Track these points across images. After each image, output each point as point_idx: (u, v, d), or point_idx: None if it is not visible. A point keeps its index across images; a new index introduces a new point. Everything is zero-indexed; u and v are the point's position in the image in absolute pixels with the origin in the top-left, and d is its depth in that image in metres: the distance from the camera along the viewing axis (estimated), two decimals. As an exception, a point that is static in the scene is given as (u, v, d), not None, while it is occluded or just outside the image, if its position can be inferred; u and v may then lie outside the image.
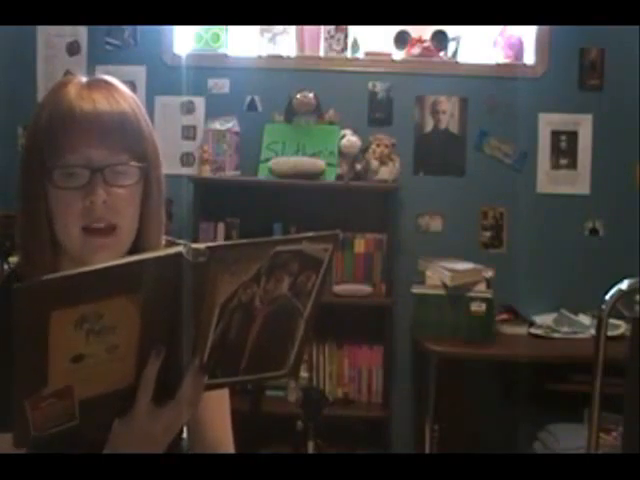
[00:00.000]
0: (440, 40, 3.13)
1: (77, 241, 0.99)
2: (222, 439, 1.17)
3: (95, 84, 1.01)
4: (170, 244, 1.10)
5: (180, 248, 0.84)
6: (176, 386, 0.90)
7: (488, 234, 3.16)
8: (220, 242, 0.87)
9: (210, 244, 0.85)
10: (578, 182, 3.15)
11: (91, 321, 0.81)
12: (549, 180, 3.15)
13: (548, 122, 3.15)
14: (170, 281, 0.85)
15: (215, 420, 1.15)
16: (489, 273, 2.80)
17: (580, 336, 2.83)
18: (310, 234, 0.92)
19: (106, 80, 1.03)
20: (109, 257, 0.99)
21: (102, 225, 0.98)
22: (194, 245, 0.85)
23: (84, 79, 1.03)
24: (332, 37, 3.11)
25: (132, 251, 1.03)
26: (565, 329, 2.89)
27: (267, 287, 0.90)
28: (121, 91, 1.03)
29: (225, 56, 3.14)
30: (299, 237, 0.92)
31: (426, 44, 3.12)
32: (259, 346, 0.94)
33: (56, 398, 0.82)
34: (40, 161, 0.98)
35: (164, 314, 0.86)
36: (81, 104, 0.97)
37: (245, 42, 3.17)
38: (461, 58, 3.15)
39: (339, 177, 2.98)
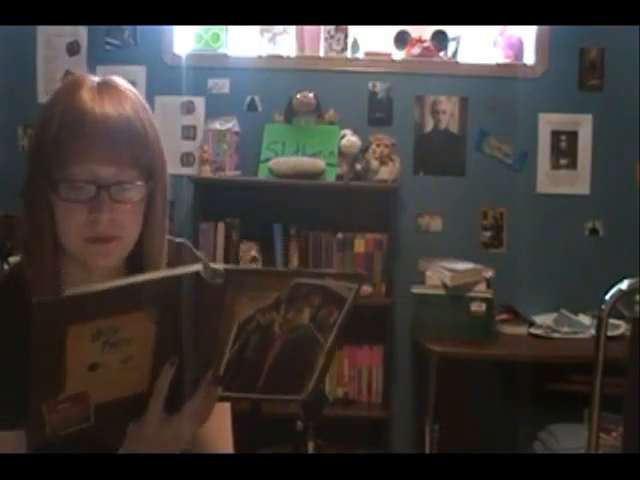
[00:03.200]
0: (440, 40, 3.12)
1: (80, 249, 0.99)
2: (222, 451, 1.17)
3: (106, 92, 0.98)
4: (170, 244, 1.10)
5: (198, 267, 0.85)
6: (189, 396, 0.91)
7: (488, 234, 3.16)
8: (238, 266, 0.88)
9: (228, 267, 0.86)
10: (578, 182, 3.15)
11: (107, 334, 0.83)
12: (549, 180, 3.15)
13: (548, 122, 3.15)
14: (187, 298, 0.86)
15: (216, 431, 1.14)
16: (489, 273, 2.80)
17: (580, 336, 2.82)
18: (334, 271, 0.93)
19: (117, 86, 1.00)
20: (110, 263, 1.01)
21: (104, 237, 0.98)
22: (212, 265, 0.85)
23: (95, 83, 1.00)
24: (332, 37, 3.11)
25: (133, 255, 1.03)
26: (565, 329, 2.88)
27: (287, 316, 0.90)
28: (131, 99, 1.00)
29: (225, 56, 3.14)
30: (322, 272, 0.94)
31: (426, 44, 3.12)
32: (277, 369, 0.94)
33: (72, 402, 0.84)
34: (47, 172, 0.96)
35: (180, 328, 0.87)
36: (93, 117, 0.95)
37: (245, 42, 3.17)
38: (461, 58, 3.15)
39: (339, 177, 2.98)
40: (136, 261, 1.05)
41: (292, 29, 3.13)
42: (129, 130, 0.97)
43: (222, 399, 0.96)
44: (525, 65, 3.15)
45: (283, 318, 0.90)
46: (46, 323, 0.79)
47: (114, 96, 0.98)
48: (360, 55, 3.14)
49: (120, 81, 1.02)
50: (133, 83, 1.05)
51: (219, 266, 0.85)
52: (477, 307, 2.74)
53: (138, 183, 0.99)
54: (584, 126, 3.14)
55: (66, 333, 0.79)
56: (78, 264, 1.01)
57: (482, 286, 2.77)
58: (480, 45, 3.20)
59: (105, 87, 0.99)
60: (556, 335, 2.86)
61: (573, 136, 3.15)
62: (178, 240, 1.15)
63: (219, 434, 1.15)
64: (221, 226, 3.01)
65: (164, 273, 0.87)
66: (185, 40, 3.16)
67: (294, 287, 0.89)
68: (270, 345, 0.92)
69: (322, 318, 0.93)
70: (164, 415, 0.91)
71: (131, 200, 0.99)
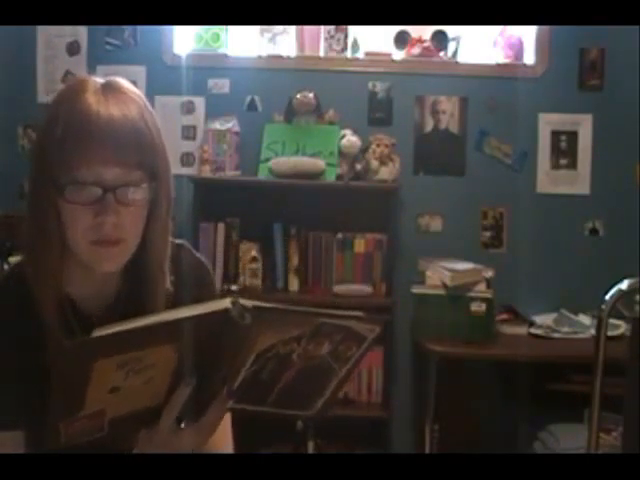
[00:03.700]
0: (440, 40, 3.12)
1: (84, 252, 0.99)
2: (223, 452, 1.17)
3: (111, 94, 0.98)
4: (170, 245, 1.09)
5: (228, 304, 0.86)
6: (201, 411, 0.94)
7: (488, 234, 3.16)
8: (266, 304, 0.88)
9: (258, 304, 0.87)
10: (578, 182, 3.15)
11: (132, 363, 0.84)
12: (549, 180, 3.15)
13: (548, 122, 3.14)
14: (212, 333, 0.88)
15: (216, 435, 1.14)
16: (489, 273, 2.80)
17: (580, 336, 2.82)
18: (359, 314, 0.94)
19: (121, 88, 1.00)
20: (114, 267, 1.02)
21: (110, 239, 0.98)
22: (242, 300, 0.86)
23: (99, 84, 0.99)
24: (332, 37, 3.10)
25: (136, 257, 1.03)
26: (565, 329, 2.88)
27: (307, 347, 0.93)
28: (136, 101, 1.00)
29: (225, 56, 3.14)
30: (348, 315, 0.94)
31: (426, 44, 3.12)
32: (289, 389, 0.96)
33: (88, 419, 0.86)
34: (52, 175, 0.96)
35: (201, 355, 0.89)
36: (99, 119, 0.95)
37: (245, 42, 3.17)
38: (461, 58, 3.15)
39: (339, 177, 2.98)
40: (138, 263, 1.04)
41: (292, 29, 3.13)
42: (134, 132, 0.97)
43: (233, 410, 0.98)
44: (525, 65, 3.15)
45: (303, 349, 0.92)
46: (72, 364, 0.81)
47: (119, 98, 0.98)
48: (360, 55, 3.14)
49: (124, 82, 1.02)
50: (133, 83, 1.05)
51: (248, 302, 0.86)
52: (477, 307, 2.74)
53: (143, 185, 0.99)
54: (584, 126, 3.14)
55: (92, 368, 0.81)
56: (81, 266, 1.01)
57: (482, 286, 2.77)
58: (480, 45, 3.19)
59: (109, 89, 0.99)
60: (556, 335, 2.86)
61: (573, 136, 3.15)
62: (177, 241, 1.15)
63: (219, 438, 1.15)
64: (221, 226, 3.01)
65: (194, 311, 0.87)
66: (185, 40, 3.16)
67: (318, 325, 0.91)
68: (285, 370, 0.94)
69: (340, 351, 0.95)
70: (175, 426, 0.93)
71: (136, 202, 0.98)
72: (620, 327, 2.59)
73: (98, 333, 0.80)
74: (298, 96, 3.03)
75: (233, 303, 0.86)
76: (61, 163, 0.95)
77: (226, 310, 0.85)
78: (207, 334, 0.87)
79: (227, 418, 1.17)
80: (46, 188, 0.97)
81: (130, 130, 0.96)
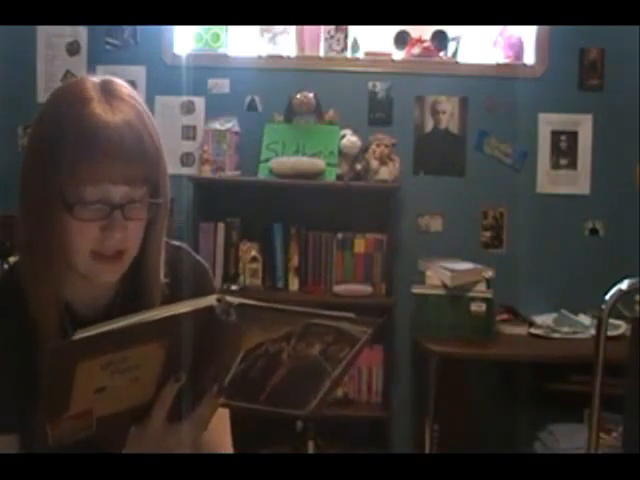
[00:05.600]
0: (440, 40, 3.12)
1: (85, 263, 0.98)
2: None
3: (117, 107, 0.96)
4: (167, 247, 1.09)
5: (213, 301, 0.85)
6: (192, 407, 0.93)
7: (488, 234, 3.16)
8: (252, 302, 0.87)
9: (243, 301, 0.86)
10: (578, 182, 3.15)
11: (117, 363, 0.84)
12: (549, 180, 3.15)
13: (548, 122, 3.14)
14: (198, 330, 0.87)
15: (215, 435, 1.12)
16: (489, 273, 2.80)
17: (580, 336, 2.82)
18: (350, 315, 0.92)
19: (122, 95, 0.98)
20: (114, 279, 1.02)
21: (112, 252, 0.97)
22: (227, 298, 0.86)
23: (102, 93, 0.97)
24: (332, 37, 3.10)
25: (134, 262, 1.03)
26: (565, 329, 2.88)
27: (297, 347, 0.92)
28: (140, 112, 0.98)
29: (225, 56, 3.14)
30: (338, 315, 0.92)
31: (426, 44, 3.12)
32: (281, 387, 0.96)
33: (75, 419, 0.86)
34: (60, 192, 0.94)
35: (188, 352, 0.89)
36: (109, 138, 0.93)
37: (245, 42, 3.17)
38: (461, 58, 3.15)
39: (339, 177, 2.98)
40: (135, 268, 1.04)
41: (292, 29, 3.13)
42: (140, 149, 0.96)
43: (224, 407, 0.98)
44: (525, 65, 3.15)
45: (292, 349, 0.92)
46: (56, 365, 0.80)
47: (125, 111, 0.96)
48: (360, 55, 3.14)
49: (123, 88, 1.00)
50: (133, 83, 1.04)
51: (233, 299, 0.86)
52: (477, 307, 2.74)
53: (147, 200, 0.99)
54: (584, 126, 3.14)
55: (75, 369, 0.81)
56: (79, 273, 1.01)
57: (482, 286, 2.77)
58: (480, 45, 3.20)
59: (112, 98, 0.97)
60: (556, 335, 2.86)
61: (573, 136, 3.15)
62: (176, 243, 1.15)
63: (218, 437, 1.15)
64: (221, 226, 3.01)
65: (178, 309, 0.87)
66: (185, 40, 3.16)
67: (307, 325, 0.90)
68: (276, 368, 0.94)
69: (332, 352, 0.94)
70: (166, 423, 0.93)
71: (141, 217, 0.99)
72: (620, 327, 2.59)
73: (78, 335, 0.80)
74: (298, 96, 3.03)
75: (218, 300, 0.86)
76: (70, 181, 0.94)
77: (211, 307, 0.85)
78: (194, 331, 0.87)
79: (226, 418, 1.17)
80: (51, 203, 0.95)
81: (137, 147, 0.95)
